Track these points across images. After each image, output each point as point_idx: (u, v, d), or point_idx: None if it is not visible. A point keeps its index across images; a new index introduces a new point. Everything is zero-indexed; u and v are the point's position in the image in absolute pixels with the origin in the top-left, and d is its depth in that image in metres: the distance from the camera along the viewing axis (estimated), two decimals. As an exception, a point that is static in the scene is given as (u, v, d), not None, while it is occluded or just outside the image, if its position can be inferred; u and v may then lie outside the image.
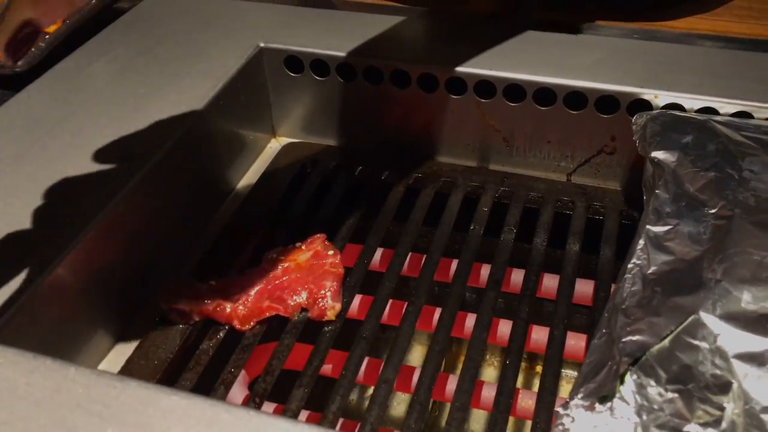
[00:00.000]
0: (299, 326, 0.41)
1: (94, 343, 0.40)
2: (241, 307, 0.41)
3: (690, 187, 0.39)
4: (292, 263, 0.43)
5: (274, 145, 0.56)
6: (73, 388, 0.29)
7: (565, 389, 0.54)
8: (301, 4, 0.59)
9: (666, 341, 0.31)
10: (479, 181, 0.51)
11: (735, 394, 0.29)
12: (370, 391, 0.38)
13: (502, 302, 0.46)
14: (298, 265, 0.43)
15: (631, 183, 0.50)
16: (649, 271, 0.35)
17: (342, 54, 0.51)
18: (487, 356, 0.65)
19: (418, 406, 0.37)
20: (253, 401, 0.38)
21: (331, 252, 0.44)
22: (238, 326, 0.41)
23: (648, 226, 0.38)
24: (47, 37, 0.55)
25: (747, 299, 0.32)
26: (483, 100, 0.49)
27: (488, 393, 0.39)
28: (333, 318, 0.41)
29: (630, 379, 0.30)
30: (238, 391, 0.40)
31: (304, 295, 0.42)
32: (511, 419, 0.37)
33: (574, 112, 0.48)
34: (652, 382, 0.30)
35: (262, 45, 0.52)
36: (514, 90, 0.48)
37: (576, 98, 0.48)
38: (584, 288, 0.44)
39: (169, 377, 0.39)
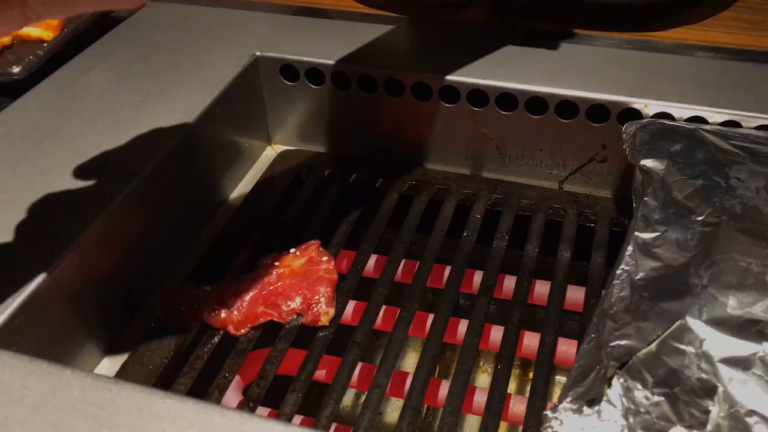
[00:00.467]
0: (293, 331, 0.42)
1: (89, 349, 0.41)
2: (235, 313, 0.41)
3: (678, 194, 0.40)
4: (286, 269, 0.44)
5: (270, 152, 0.57)
6: (68, 391, 0.29)
7: (556, 395, 0.54)
8: (297, 14, 0.59)
9: (653, 346, 0.32)
10: (472, 188, 0.52)
11: (720, 398, 0.30)
12: (364, 396, 0.38)
13: (495, 308, 0.47)
14: (292, 270, 0.44)
15: (622, 191, 0.50)
16: (637, 277, 0.36)
17: (337, 63, 0.51)
18: (481, 363, 0.66)
19: (411, 411, 0.38)
20: (247, 406, 0.38)
21: (325, 258, 0.44)
22: (232, 331, 0.41)
23: (636, 233, 0.38)
24: (45, 45, 0.55)
25: (733, 305, 0.33)
26: (476, 109, 0.50)
27: (480, 398, 0.40)
28: (327, 323, 0.42)
29: (617, 383, 0.31)
30: (233, 395, 0.41)
31: (298, 300, 0.42)
32: (503, 424, 0.38)
33: (566, 121, 0.49)
34: (639, 386, 0.30)
35: (258, 54, 0.53)
36: (507, 99, 0.49)
37: (567, 107, 0.48)
38: (575, 294, 0.45)
39: (164, 382, 0.40)
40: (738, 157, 0.41)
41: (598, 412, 0.30)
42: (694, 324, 0.32)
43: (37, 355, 0.31)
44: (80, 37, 0.56)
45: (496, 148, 0.52)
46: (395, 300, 0.45)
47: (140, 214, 0.43)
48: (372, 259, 0.47)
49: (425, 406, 0.57)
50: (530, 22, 0.58)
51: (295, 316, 0.42)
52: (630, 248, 0.37)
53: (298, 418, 0.39)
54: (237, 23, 0.57)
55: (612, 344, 0.33)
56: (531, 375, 0.39)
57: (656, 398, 0.30)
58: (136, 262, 0.43)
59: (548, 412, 0.31)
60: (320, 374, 0.41)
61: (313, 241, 0.45)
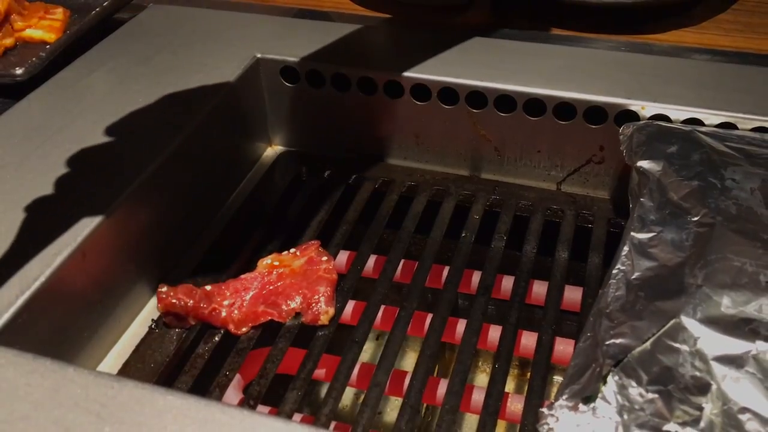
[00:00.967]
0: (293, 331, 0.42)
1: (91, 347, 0.41)
2: (236, 312, 0.42)
3: (674, 195, 0.40)
4: (286, 269, 0.44)
5: (270, 153, 0.57)
6: (71, 388, 0.30)
7: (554, 393, 0.55)
8: (297, 16, 0.60)
9: (648, 344, 0.32)
10: (471, 189, 0.52)
11: (713, 395, 0.30)
12: (363, 395, 0.39)
13: (493, 308, 0.47)
14: (292, 270, 0.44)
15: (619, 192, 0.51)
16: (633, 277, 0.36)
17: (336, 65, 0.52)
18: (480, 363, 0.66)
19: (409, 409, 0.38)
20: (247, 404, 0.39)
21: (324, 258, 0.45)
22: (233, 330, 0.42)
23: (633, 233, 0.39)
24: (48, 47, 0.56)
25: (726, 304, 0.33)
26: (475, 111, 0.51)
27: (478, 396, 0.40)
28: (326, 323, 0.42)
29: (612, 380, 0.31)
30: (233, 394, 0.41)
31: (298, 300, 0.43)
32: (500, 422, 0.38)
33: (564, 123, 0.49)
34: (634, 383, 0.31)
35: (258, 56, 0.53)
36: (505, 101, 0.49)
37: (565, 109, 0.49)
38: (573, 294, 0.45)
39: (166, 380, 0.40)
40: (733, 159, 0.42)
41: (594, 409, 0.30)
42: (689, 323, 0.33)
43: (40, 353, 0.31)
44: (82, 40, 0.57)
45: (495, 150, 0.52)
46: (394, 300, 0.45)
47: (142, 214, 0.43)
48: (371, 259, 0.48)
49: (424, 404, 0.57)
50: (528, 25, 0.58)
51: (295, 316, 0.43)
52: (626, 248, 0.38)
53: (297, 416, 0.40)
54: (238, 25, 0.58)
55: (608, 342, 0.33)
56: (529, 374, 0.40)
57: (650, 395, 0.30)
58: (138, 261, 0.44)
59: (544, 409, 0.31)
60: (320, 373, 0.42)
61: (312, 241, 0.46)
